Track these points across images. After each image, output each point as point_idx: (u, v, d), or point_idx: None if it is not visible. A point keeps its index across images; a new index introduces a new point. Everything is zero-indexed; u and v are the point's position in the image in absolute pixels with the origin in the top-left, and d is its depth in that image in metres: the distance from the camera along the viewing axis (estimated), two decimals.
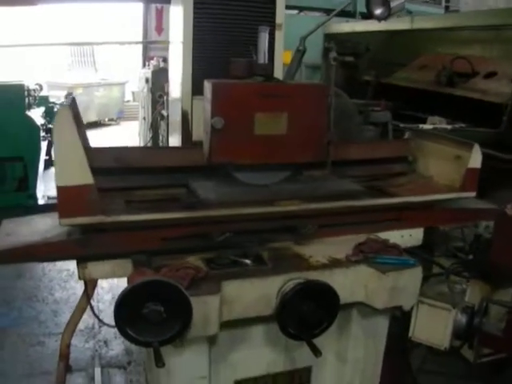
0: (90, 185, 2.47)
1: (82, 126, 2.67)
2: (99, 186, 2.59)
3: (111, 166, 2.92)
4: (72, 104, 2.61)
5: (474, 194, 3.24)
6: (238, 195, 2.86)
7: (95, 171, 2.55)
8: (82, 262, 2.68)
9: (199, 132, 3.06)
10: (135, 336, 2.28)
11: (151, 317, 2.23)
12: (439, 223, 3.60)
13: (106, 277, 2.80)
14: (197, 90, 3.71)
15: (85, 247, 2.62)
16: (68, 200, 2.45)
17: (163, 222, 2.66)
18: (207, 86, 2.80)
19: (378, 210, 3.13)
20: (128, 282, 2.44)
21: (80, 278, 2.74)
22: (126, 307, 2.22)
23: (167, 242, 2.72)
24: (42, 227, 2.81)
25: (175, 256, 2.69)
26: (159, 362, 2.27)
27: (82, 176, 2.46)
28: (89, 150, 2.74)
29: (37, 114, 8.85)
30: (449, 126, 5.26)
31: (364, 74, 7.56)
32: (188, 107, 4.04)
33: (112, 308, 2.37)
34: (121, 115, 18.31)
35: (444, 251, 4.51)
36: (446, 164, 3.31)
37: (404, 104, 6.45)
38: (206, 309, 2.42)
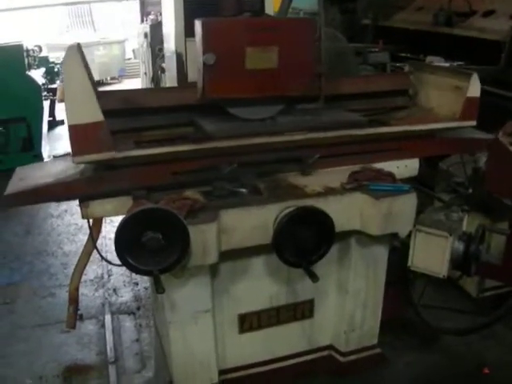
0: (100, 122, 2.51)
1: (88, 68, 2.68)
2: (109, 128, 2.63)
3: (118, 108, 2.94)
4: (78, 47, 2.62)
5: (473, 122, 3.26)
6: (241, 129, 2.89)
7: (104, 113, 2.57)
8: (84, 201, 2.74)
9: (194, 73, 3.07)
10: (136, 265, 2.35)
11: (150, 244, 2.30)
12: (438, 152, 3.60)
13: (108, 215, 2.86)
14: (189, 31, 3.70)
15: (97, 185, 2.67)
16: (80, 138, 2.51)
17: (173, 155, 2.70)
18: (197, 24, 2.82)
19: (379, 139, 3.16)
20: (127, 212, 2.47)
21: (83, 217, 2.80)
22: (125, 235, 2.28)
23: (178, 176, 2.77)
24: (54, 170, 2.87)
25: (175, 191, 2.72)
26: (159, 288, 2.34)
27: (93, 114, 2.50)
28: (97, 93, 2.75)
29: (37, 74, 8.85)
30: (447, 64, 5.23)
31: (363, 18, 7.48)
32: (182, 49, 4.03)
33: None
34: (122, 73, 18.11)
35: (444, 187, 4.53)
36: (446, 95, 3.32)
37: (403, 46, 6.40)
38: (203, 237, 2.48)
